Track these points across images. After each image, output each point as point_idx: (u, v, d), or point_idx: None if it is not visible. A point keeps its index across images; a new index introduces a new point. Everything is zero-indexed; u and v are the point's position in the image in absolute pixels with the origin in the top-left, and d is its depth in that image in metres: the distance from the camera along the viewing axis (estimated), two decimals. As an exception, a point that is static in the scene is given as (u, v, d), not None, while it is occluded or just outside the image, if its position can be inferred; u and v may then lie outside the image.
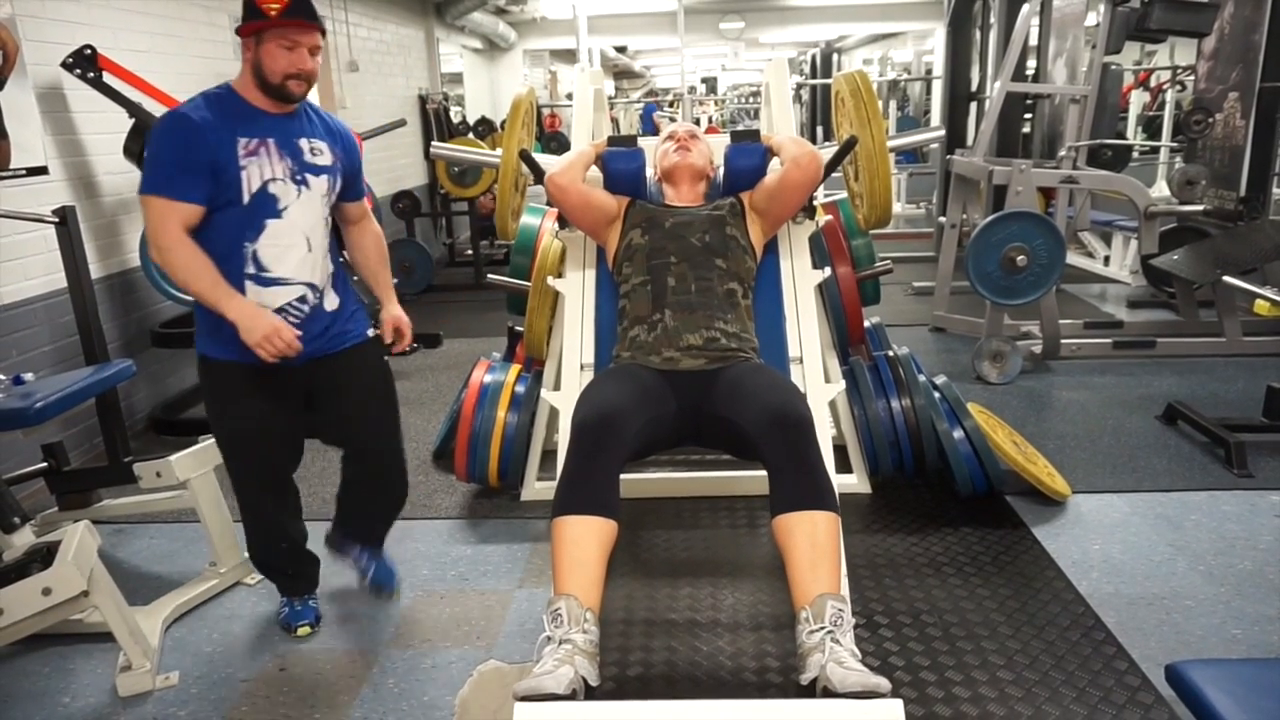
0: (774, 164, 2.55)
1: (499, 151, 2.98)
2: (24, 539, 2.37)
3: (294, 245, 2.11)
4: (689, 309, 2.27)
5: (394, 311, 2.40)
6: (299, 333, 2.10)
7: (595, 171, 2.60)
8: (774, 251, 2.60)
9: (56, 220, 3.07)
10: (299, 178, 2.10)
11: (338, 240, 2.34)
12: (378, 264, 2.45)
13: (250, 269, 2.08)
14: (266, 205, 2.07)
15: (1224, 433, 3.32)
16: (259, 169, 2.05)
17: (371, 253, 2.44)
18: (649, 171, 2.67)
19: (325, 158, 2.17)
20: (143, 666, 2.21)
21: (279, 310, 2.11)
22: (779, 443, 1.94)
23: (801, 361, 2.43)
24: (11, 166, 3.38)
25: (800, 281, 2.56)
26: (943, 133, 4.35)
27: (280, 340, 2.03)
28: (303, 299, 2.15)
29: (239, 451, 2.27)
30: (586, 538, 1.85)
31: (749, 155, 2.53)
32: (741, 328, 2.31)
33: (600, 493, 1.90)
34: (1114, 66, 6.15)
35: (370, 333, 2.35)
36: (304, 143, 2.13)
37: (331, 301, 2.24)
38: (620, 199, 2.52)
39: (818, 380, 2.40)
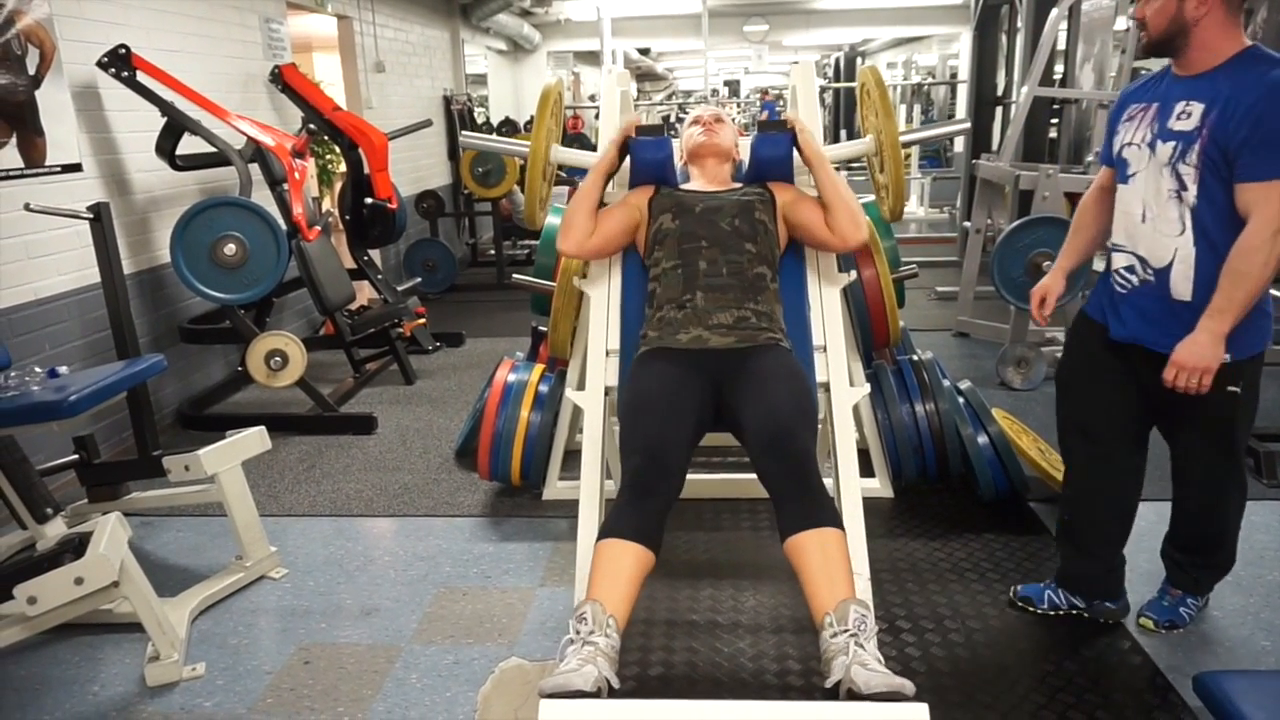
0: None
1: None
2: (56, 529, 2.41)
3: (1129, 212, 2.09)
4: (720, 290, 2.29)
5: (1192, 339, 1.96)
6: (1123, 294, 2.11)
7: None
8: (798, 243, 2.58)
9: (91, 216, 3.11)
10: (1151, 143, 2.02)
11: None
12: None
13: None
14: (1119, 171, 2.12)
15: (1254, 442, 3.27)
16: (1124, 134, 2.10)
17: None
18: (676, 161, 2.67)
19: (1189, 122, 1.94)
20: (170, 657, 2.24)
21: (1112, 273, 2.16)
22: (778, 473, 1.98)
23: (825, 350, 2.43)
24: (47, 163, 3.44)
25: (825, 270, 2.55)
26: (968, 125, 4.32)
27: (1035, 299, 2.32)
28: (1130, 269, 2.10)
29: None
30: (625, 557, 1.89)
31: (774, 145, 2.53)
32: (770, 310, 2.32)
33: (647, 527, 1.94)
34: (1143, 72, 6.09)
35: (1226, 357, 1.95)
36: (1179, 105, 1.98)
37: (1180, 288, 2.00)
38: (643, 192, 2.52)
39: (841, 371, 2.38)
